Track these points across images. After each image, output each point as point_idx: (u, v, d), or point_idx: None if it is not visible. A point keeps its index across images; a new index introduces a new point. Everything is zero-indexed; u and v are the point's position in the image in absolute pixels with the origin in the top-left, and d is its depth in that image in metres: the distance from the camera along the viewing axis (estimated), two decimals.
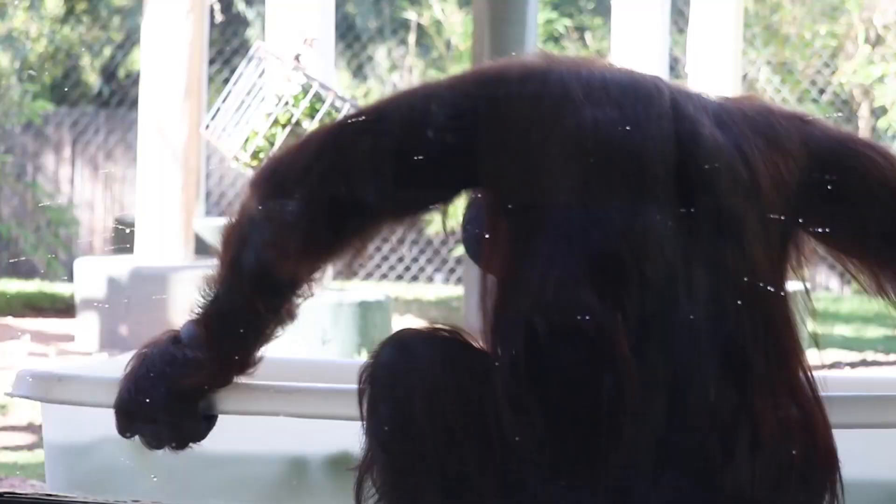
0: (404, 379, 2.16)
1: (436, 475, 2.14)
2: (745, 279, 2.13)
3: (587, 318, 2.05)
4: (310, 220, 2.30)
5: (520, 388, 2.10)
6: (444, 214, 2.38)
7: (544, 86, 2.22)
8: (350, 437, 2.30)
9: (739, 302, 2.12)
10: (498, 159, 2.21)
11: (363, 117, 2.35)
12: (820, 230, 2.28)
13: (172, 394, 2.42)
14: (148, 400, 2.41)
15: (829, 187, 2.28)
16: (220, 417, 2.50)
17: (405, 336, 2.24)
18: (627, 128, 2.15)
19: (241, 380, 2.48)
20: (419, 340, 2.21)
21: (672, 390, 2.09)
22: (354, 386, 2.29)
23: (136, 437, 2.47)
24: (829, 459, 2.20)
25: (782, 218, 2.21)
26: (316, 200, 2.30)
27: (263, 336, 2.43)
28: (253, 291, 2.36)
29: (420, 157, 2.25)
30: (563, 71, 2.24)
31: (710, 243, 2.15)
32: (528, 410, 2.09)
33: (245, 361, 2.45)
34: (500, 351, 2.14)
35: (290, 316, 2.43)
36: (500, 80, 2.28)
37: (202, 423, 2.48)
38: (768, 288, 2.14)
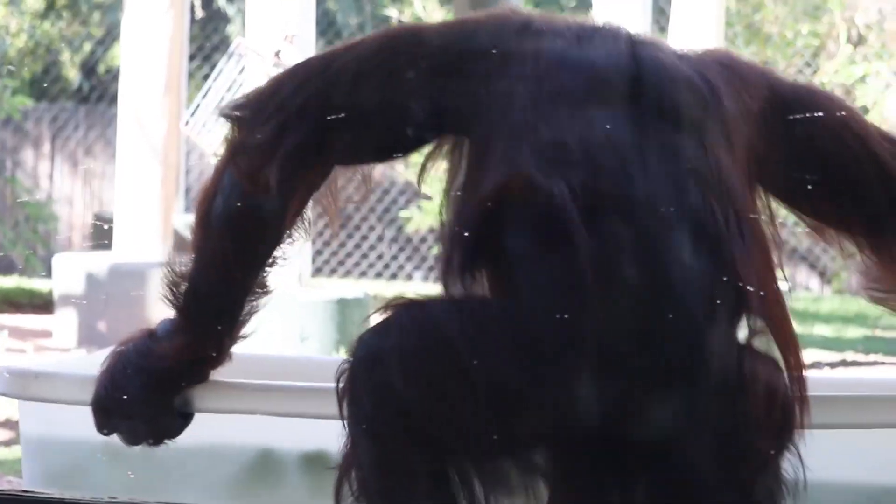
0: (382, 358, 2.10)
1: (424, 449, 2.09)
2: (710, 175, 2.12)
3: (537, 194, 2.06)
4: (290, 141, 2.27)
5: (477, 264, 2.11)
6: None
7: (506, 20, 2.28)
8: (326, 435, 2.28)
9: (703, 189, 2.10)
10: (460, 85, 2.23)
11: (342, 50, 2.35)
12: (784, 168, 2.29)
13: (148, 388, 2.41)
14: (124, 395, 2.41)
15: (793, 125, 2.30)
16: (197, 414, 2.49)
17: (377, 325, 2.19)
18: (585, 48, 2.19)
19: (218, 376, 2.48)
20: (391, 320, 2.16)
21: (636, 265, 2.06)
22: (332, 384, 2.26)
23: (114, 434, 2.46)
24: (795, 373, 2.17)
25: (749, 142, 2.22)
26: (296, 121, 2.28)
27: (239, 314, 2.42)
28: (231, 248, 2.34)
29: (389, 97, 2.27)
30: (526, 14, 2.31)
31: (670, 139, 2.14)
32: (482, 285, 2.11)
33: (221, 349, 2.44)
34: (460, 232, 2.14)
35: (264, 288, 2.42)
36: (463, 21, 2.37)
37: (178, 420, 2.47)
38: (735, 187, 2.13)
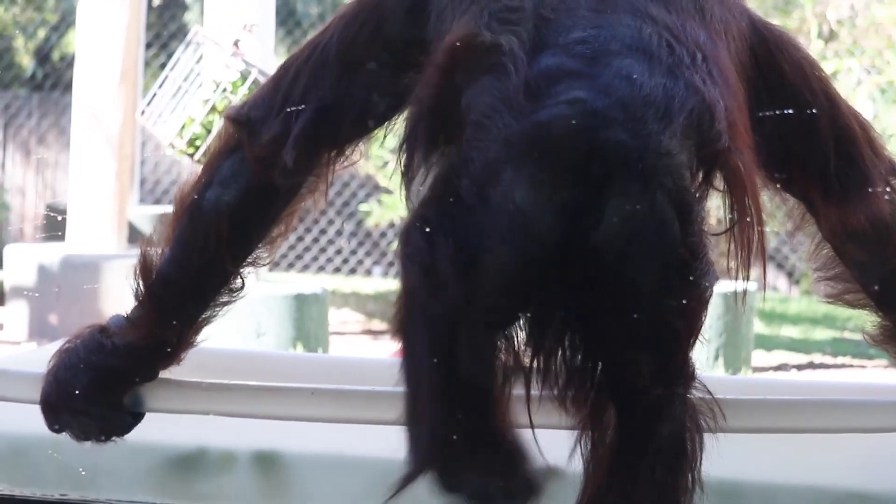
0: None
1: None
2: (676, 30, 2.03)
3: (485, 48, 1.99)
4: (299, 126, 2.32)
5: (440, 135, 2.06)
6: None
7: None
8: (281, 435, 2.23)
9: (663, 34, 2.01)
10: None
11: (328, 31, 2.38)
12: (752, 99, 2.23)
13: (97, 384, 2.40)
14: (72, 392, 2.39)
15: (768, 58, 2.29)
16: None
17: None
18: None
19: (169, 374, 2.45)
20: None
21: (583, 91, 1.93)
22: (288, 384, 2.30)
23: (65, 431, 2.44)
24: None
25: (737, 51, 2.18)
26: (299, 108, 2.33)
27: (206, 309, 2.42)
28: (227, 235, 2.36)
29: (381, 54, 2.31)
30: None
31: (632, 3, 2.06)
32: None
33: (177, 346, 2.42)
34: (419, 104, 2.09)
35: (240, 284, 2.43)
36: None
37: (128, 418, 2.45)
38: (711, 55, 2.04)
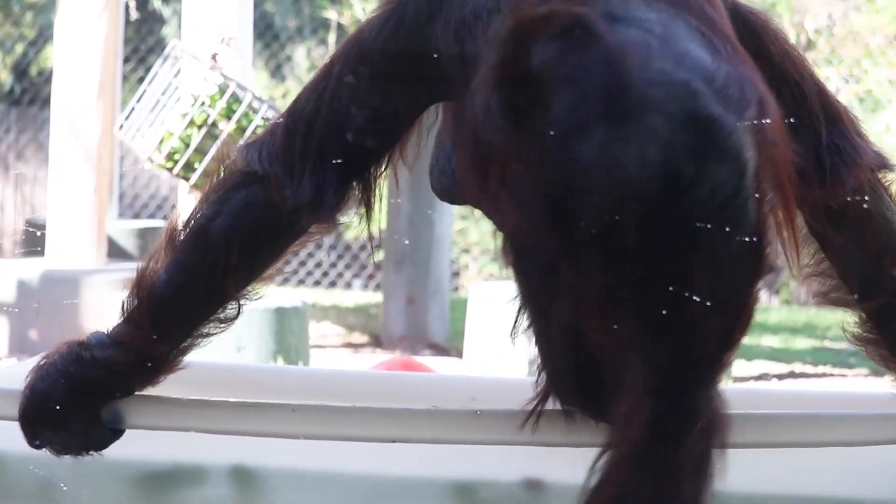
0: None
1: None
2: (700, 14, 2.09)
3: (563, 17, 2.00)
4: (331, 180, 2.36)
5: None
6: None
7: None
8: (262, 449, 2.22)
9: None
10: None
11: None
12: None
13: (74, 394, 2.40)
14: (48, 402, 2.39)
15: (756, 42, 2.33)
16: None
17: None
18: None
19: (150, 389, 2.45)
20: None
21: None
22: (269, 400, 2.30)
23: (46, 447, 2.43)
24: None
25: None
26: (321, 159, 2.36)
27: (197, 331, 2.43)
28: (235, 262, 2.37)
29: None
30: None
31: None
32: None
33: (162, 365, 2.42)
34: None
35: (238, 309, 2.46)
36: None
37: (108, 432, 2.44)
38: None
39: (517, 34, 2.01)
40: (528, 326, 2.18)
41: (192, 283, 2.40)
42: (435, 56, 2.29)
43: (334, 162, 2.36)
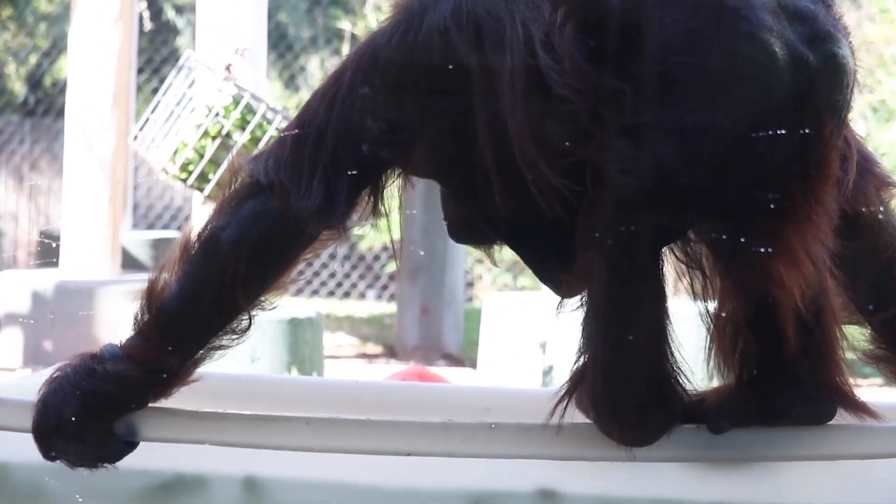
0: None
1: None
2: None
3: None
4: (342, 189, 2.37)
5: None
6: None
7: None
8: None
9: None
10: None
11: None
12: None
13: (87, 408, 2.40)
14: (61, 415, 2.40)
15: None
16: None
17: None
18: None
19: (164, 400, 2.46)
20: None
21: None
22: (283, 413, 2.32)
23: (60, 459, 2.44)
24: None
25: None
26: (335, 168, 2.38)
27: (208, 343, 2.44)
28: (243, 272, 2.37)
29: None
30: None
31: None
32: None
33: (174, 378, 2.43)
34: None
35: (249, 321, 2.47)
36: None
37: (120, 445, 2.44)
38: None
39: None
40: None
41: (202, 294, 2.40)
42: (449, 64, 2.30)
43: (345, 169, 2.37)
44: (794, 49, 2.14)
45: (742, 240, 2.17)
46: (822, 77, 2.15)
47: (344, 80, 2.40)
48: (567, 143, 2.21)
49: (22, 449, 2.49)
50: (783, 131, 2.13)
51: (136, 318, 2.43)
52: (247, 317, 2.46)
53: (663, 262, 2.28)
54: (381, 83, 2.35)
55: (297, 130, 2.42)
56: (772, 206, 2.15)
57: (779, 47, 2.13)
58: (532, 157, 2.23)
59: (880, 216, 2.45)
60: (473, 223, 2.47)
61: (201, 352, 2.44)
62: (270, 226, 2.39)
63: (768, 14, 2.14)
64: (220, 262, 2.39)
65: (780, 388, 2.32)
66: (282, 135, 2.46)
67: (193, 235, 2.43)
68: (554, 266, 2.42)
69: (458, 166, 2.37)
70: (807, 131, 2.14)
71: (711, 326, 2.35)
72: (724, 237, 2.19)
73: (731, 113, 2.14)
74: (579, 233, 2.25)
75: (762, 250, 2.16)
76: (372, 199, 2.43)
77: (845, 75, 2.18)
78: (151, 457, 2.50)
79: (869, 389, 8.93)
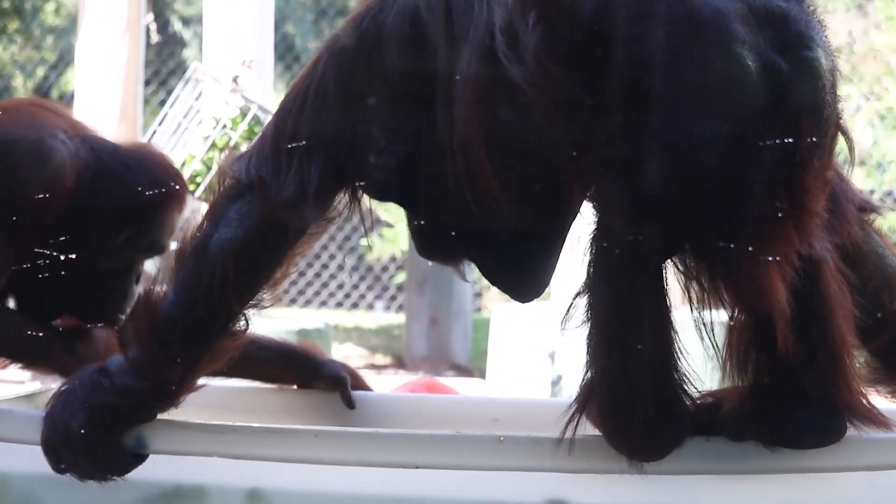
0: None
1: None
2: None
3: None
4: (314, 175, 2.37)
5: None
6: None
7: None
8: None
9: None
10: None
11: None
12: None
13: (94, 422, 2.41)
14: (69, 429, 2.41)
15: None
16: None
17: None
18: None
19: (173, 412, 2.46)
20: None
21: None
22: (293, 422, 2.21)
23: (71, 472, 2.45)
24: None
25: None
26: (308, 156, 2.38)
27: (210, 352, 2.44)
28: (233, 273, 2.38)
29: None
30: None
31: None
32: None
33: (179, 388, 2.44)
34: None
35: (246, 322, 2.48)
36: None
37: (128, 458, 2.45)
38: None
39: None
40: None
41: (196, 300, 2.41)
42: (419, 58, 2.31)
43: (317, 158, 2.37)
44: (766, 57, 2.11)
45: (731, 251, 2.15)
46: (796, 82, 2.13)
47: (318, 69, 2.40)
48: (511, 136, 2.20)
49: (23, 460, 2.50)
50: (762, 142, 2.11)
51: (136, 330, 2.44)
52: (243, 318, 2.47)
53: (664, 276, 2.26)
54: (352, 69, 2.35)
55: (275, 126, 2.43)
56: (759, 215, 2.13)
57: (751, 60, 2.10)
58: (468, 140, 2.22)
59: (862, 245, 2.45)
60: (437, 237, 2.45)
61: (204, 358, 2.44)
62: (255, 224, 2.40)
63: (740, 24, 2.11)
64: (209, 266, 2.40)
65: (791, 410, 2.30)
66: (262, 131, 2.47)
67: (187, 243, 2.45)
68: (517, 273, 2.44)
69: (426, 165, 2.35)
70: (786, 139, 2.12)
71: (724, 336, 2.34)
72: (710, 249, 2.18)
73: (706, 126, 2.11)
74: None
75: (751, 260, 2.14)
76: (349, 190, 2.43)
77: (819, 77, 2.16)
78: (153, 468, 2.49)
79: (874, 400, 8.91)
